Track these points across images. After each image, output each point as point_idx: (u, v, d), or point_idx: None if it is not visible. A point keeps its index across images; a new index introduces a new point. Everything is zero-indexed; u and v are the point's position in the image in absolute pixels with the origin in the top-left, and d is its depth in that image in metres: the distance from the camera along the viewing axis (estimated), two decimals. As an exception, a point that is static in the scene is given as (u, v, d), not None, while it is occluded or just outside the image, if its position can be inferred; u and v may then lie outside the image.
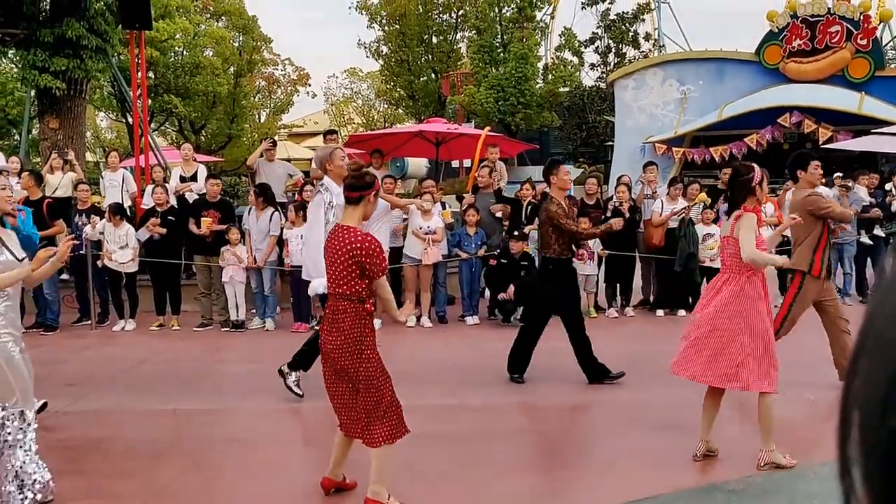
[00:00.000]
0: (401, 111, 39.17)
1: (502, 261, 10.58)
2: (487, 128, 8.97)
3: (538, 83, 30.75)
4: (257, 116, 37.63)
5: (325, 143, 12.88)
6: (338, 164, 6.64)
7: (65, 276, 11.55)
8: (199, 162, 13.35)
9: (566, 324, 7.53)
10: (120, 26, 14.86)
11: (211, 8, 32.67)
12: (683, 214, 11.06)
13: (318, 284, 6.21)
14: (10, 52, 19.20)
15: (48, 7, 15.11)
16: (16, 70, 24.73)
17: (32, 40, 14.46)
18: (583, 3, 33.24)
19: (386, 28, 35.73)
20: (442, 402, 6.98)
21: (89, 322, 11.02)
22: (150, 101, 24.23)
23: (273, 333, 10.56)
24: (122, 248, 10.72)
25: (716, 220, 11.22)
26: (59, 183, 11.83)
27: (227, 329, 10.70)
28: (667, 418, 6.37)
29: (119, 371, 8.35)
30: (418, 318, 10.81)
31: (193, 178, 12.07)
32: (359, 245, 4.47)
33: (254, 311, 11.04)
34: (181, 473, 5.43)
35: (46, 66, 14.30)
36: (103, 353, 9.44)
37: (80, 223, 11.04)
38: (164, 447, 5.95)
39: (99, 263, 10.80)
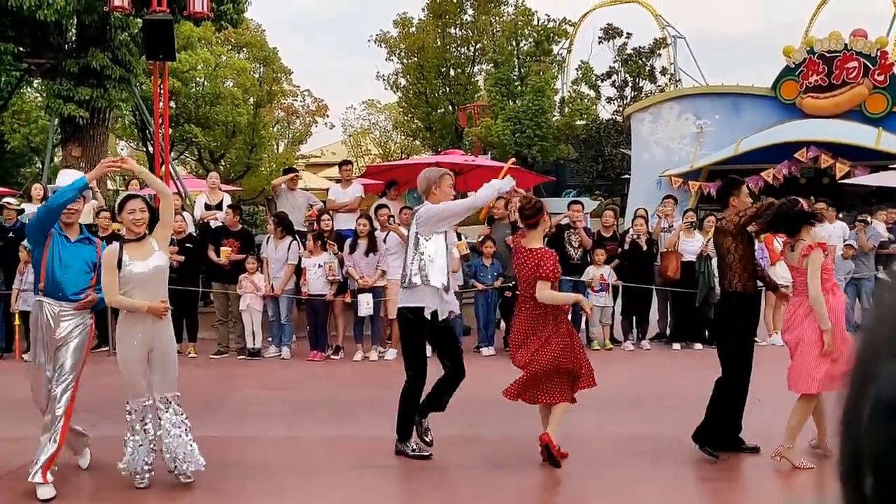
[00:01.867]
0: (418, 143, 39.45)
1: (518, 292, 10.59)
2: (512, 159, 8.99)
3: (555, 116, 30.93)
4: (276, 146, 38.00)
5: (340, 174, 12.98)
6: (446, 191, 6.33)
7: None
8: (224, 191, 13.50)
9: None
10: (144, 57, 15.11)
11: (232, 40, 33.16)
12: (702, 250, 11.07)
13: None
14: (36, 81, 19.54)
15: (74, 38, 15.41)
16: (40, 99, 25.16)
17: (58, 70, 14.74)
18: (600, 38, 33.53)
19: (404, 60, 36.12)
20: (456, 432, 6.97)
21: (107, 348, 11.09)
22: (170, 130, 24.53)
23: (289, 362, 10.59)
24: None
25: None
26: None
27: (244, 357, 10.75)
28: (683, 452, 6.33)
29: (136, 397, 8.37)
30: (434, 349, 10.80)
31: (219, 206, 12.19)
32: (542, 259, 6.00)
33: (270, 339, 11.08)
34: (197, 501, 5.45)
35: (71, 95, 14.56)
36: (120, 379, 9.47)
37: (100, 250, 11.15)
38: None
39: (118, 290, 10.88)
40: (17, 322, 10.88)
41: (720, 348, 6.36)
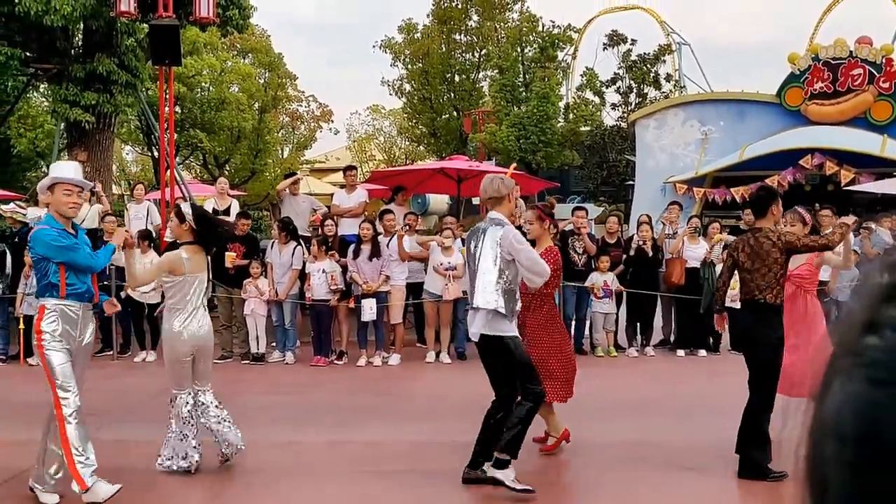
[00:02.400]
0: (422, 148, 39.48)
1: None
2: (513, 165, 9.00)
3: (559, 122, 30.94)
4: (280, 151, 38.04)
5: (345, 179, 12.98)
6: (515, 198, 5.99)
7: (88, 307, 11.67)
8: (232, 197, 13.52)
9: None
10: (150, 62, 15.17)
11: (238, 45, 33.23)
12: (705, 256, 11.07)
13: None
14: (42, 86, 19.61)
15: (81, 43, 15.46)
16: (46, 103, 25.23)
17: (64, 75, 14.79)
18: (604, 44, 33.55)
19: (409, 66, 36.16)
20: (460, 438, 6.95)
21: (111, 352, 11.12)
22: (176, 135, 24.59)
23: (293, 367, 10.60)
24: (145, 280, 10.83)
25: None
26: (87, 214, 12.00)
27: (247, 362, 10.76)
28: (688, 460, 6.32)
29: (140, 401, 8.40)
30: (437, 355, 10.82)
31: (226, 212, 12.21)
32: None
33: (274, 344, 11.09)
34: (200, 504, 5.45)
35: (77, 100, 14.61)
36: (125, 383, 9.51)
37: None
38: (184, 478, 5.98)
39: (122, 294, 10.92)
40: (21, 326, 10.90)
41: (757, 358, 6.05)
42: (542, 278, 5.69)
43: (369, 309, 10.39)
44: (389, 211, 11.50)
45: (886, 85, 21.88)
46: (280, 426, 7.44)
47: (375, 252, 10.56)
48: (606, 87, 33.26)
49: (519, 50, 31.45)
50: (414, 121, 37.56)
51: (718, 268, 10.94)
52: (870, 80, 21.98)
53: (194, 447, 5.99)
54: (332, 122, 40.20)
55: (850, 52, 22.34)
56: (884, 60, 22.06)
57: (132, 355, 11.11)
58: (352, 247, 10.76)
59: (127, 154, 40.44)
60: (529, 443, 6.85)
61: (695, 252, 11.17)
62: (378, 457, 6.46)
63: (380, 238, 10.75)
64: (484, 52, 35.27)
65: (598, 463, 6.45)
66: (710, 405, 7.49)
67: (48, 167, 23.72)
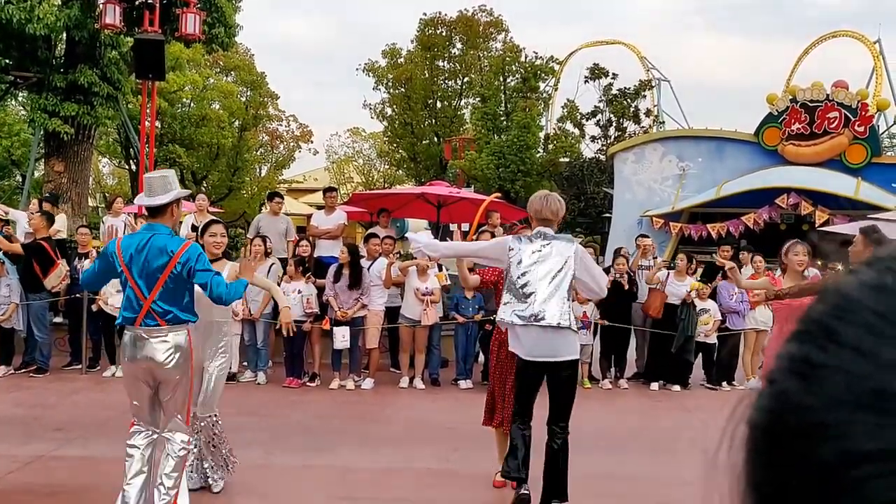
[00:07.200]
0: (401, 172, 39.57)
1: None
2: (496, 193, 9.02)
3: (539, 152, 31.17)
4: (258, 170, 37.95)
5: (325, 200, 12.89)
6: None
7: (58, 319, 11.49)
8: (211, 213, 13.39)
9: None
10: (133, 76, 15.09)
11: (221, 62, 33.19)
12: (686, 296, 11.09)
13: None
14: (21, 94, 19.43)
15: (63, 53, 15.35)
16: (23, 112, 25.01)
17: (44, 84, 14.66)
18: (586, 77, 33.85)
19: (391, 91, 36.30)
20: (433, 466, 6.90)
21: (80, 366, 10.93)
22: (154, 149, 24.43)
23: (264, 387, 10.47)
24: (118, 292, 10.67)
25: (713, 296, 11.26)
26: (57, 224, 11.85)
27: (219, 381, 10.60)
28: (657, 494, 6.30)
29: (108, 417, 8.24)
30: (411, 380, 10.75)
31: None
32: None
33: (246, 363, 10.96)
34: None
35: (56, 110, 14.48)
36: (93, 398, 9.34)
37: (78, 266, 11.03)
38: (151, 498, 5.85)
39: (94, 307, 10.76)
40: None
41: None
42: (602, 293, 5.93)
43: (341, 337, 10.29)
44: (375, 235, 11.41)
45: (861, 129, 22.29)
46: (252, 448, 7.31)
47: (356, 281, 10.42)
48: (586, 120, 33.54)
49: (501, 79, 31.73)
50: (394, 144, 37.67)
51: (698, 309, 10.98)
52: (845, 123, 22.38)
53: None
54: (312, 142, 40.23)
55: (827, 95, 22.75)
56: (859, 105, 22.48)
57: (101, 370, 10.93)
58: (332, 268, 10.64)
59: (103, 167, 40.12)
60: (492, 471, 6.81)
61: (678, 289, 11.15)
62: (352, 483, 6.37)
63: (362, 261, 10.66)
64: (466, 79, 35.54)
65: (569, 497, 6.40)
66: (682, 439, 7.47)
67: (23, 176, 23.50)
